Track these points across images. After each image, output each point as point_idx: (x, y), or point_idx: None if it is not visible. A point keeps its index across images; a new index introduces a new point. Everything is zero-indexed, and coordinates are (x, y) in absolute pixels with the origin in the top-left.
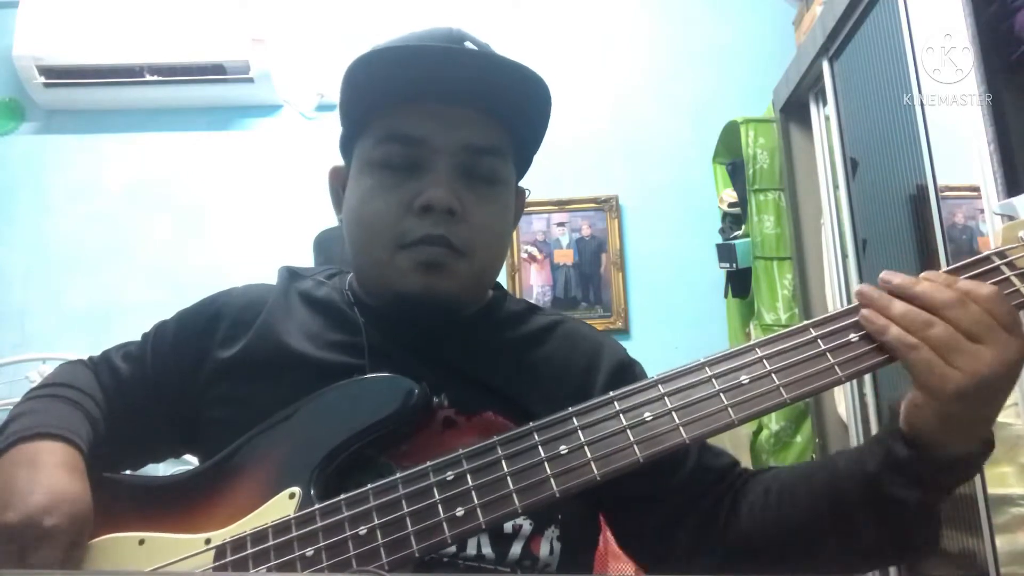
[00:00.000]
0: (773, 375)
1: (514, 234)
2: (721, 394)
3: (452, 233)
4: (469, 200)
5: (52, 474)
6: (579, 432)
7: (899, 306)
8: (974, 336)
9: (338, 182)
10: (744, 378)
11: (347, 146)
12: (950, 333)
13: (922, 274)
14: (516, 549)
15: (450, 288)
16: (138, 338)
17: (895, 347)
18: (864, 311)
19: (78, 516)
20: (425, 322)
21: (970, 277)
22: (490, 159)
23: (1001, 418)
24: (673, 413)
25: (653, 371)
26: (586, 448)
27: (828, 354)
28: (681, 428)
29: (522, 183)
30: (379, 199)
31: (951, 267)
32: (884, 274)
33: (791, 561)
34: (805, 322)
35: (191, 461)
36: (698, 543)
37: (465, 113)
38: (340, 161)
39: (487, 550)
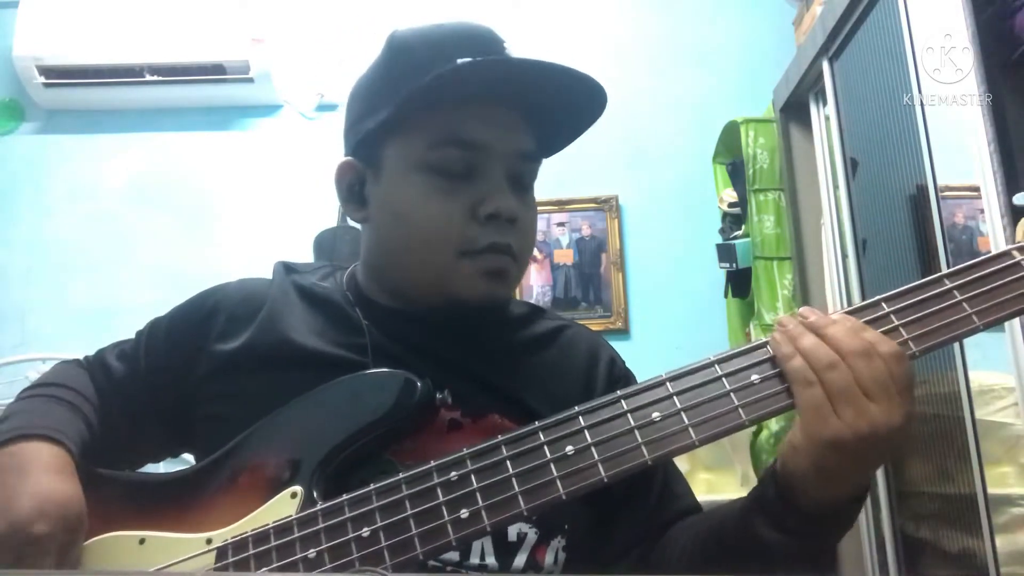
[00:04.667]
0: None
1: None
2: (731, 394)
3: (514, 241)
4: (520, 207)
5: (40, 479)
6: (586, 432)
7: (809, 339)
8: (868, 391)
9: (354, 178)
10: (755, 377)
11: (375, 140)
12: (848, 381)
13: (836, 315)
14: (520, 559)
15: (507, 294)
16: (133, 336)
17: (793, 378)
18: (776, 334)
19: (68, 520)
20: (471, 323)
21: (990, 273)
22: (533, 165)
23: (1001, 418)
24: (682, 413)
25: (653, 372)
26: (593, 449)
27: None
28: (690, 429)
29: None
30: (435, 203)
31: (971, 262)
32: (802, 310)
33: None
34: None
35: (189, 460)
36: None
37: (515, 118)
38: (342, 159)
39: (491, 559)
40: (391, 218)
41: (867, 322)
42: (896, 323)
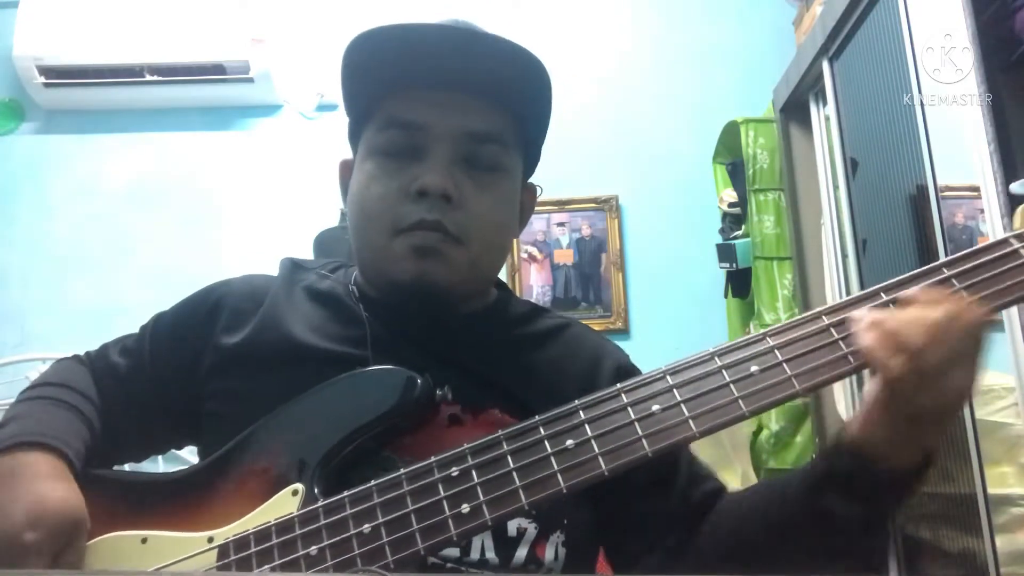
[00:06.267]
0: (784, 365)
1: None
2: (731, 385)
3: (448, 219)
4: (468, 187)
5: (34, 486)
6: (586, 426)
7: (891, 321)
8: (949, 361)
9: (347, 174)
10: (755, 368)
11: (354, 135)
12: (939, 350)
13: (919, 288)
14: (521, 553)
15: (444, 275)
16: (135, 331)
17: (872, 352)
18: (856, 313)
19: (62, 527)
20: (421, 311)
21: (988, 261)
22: (491, 146)
23: (1001, 418)
24: (682, 405)
25: None
26: (593, 442)
27: (841, 342)
28: (691, 421)
29: (529, 181)
30: (378, 185)
31: (969, 250)
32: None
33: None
34: (817, 310)
35: (187, 458)
36: (668, 562)
37: (466, 99)
38: (342, 158)
39: (491, 555)
40: (350, 204)
41: None
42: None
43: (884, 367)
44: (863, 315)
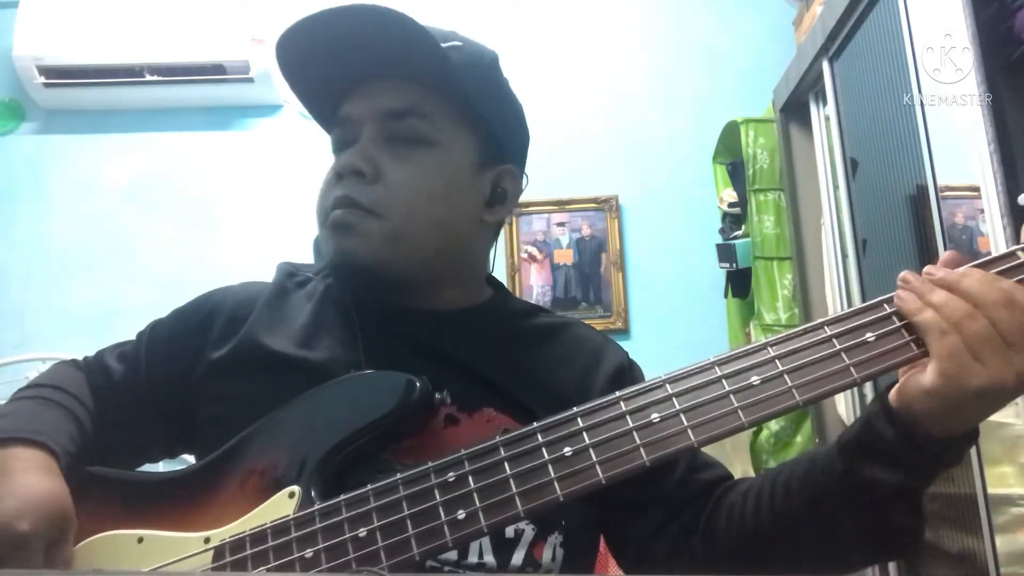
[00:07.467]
0: (786, 376)
1: (514, 234)
2: (731, 395)
3: (360, 193)
4: (387, 162)
5: (22, 479)
6: (584, 433)
7: (940, 294)
8: (1010, 340)
9: None
10: (755, 379)
11: None
12: (988, 329)
13: (966, 267)
14: (519, 556)
15: (361, 250)
16: (133, 337)
17: (926, 329)
18: (901, 292)
19: (54, 518)
20: (360, 290)
21: (996, 273)
22: (411, 120)
23: (1001, 418)
24: (681, 415)
25: (653, 371)
26: (591, 450)
27: (843, 354)
28: (689, 431)
29: (524, 180)
30: (324, 180)
31: (975, 263)
32: (928, 268)
33: (771, 562)
34: (819, 320)
35: (187, 461)
36: (676, 552)
37: (388, 81)
38: None
39: (489, 557)
40: None
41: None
42: (898, 323)
43: (932, 345)
44: (912, 293)
